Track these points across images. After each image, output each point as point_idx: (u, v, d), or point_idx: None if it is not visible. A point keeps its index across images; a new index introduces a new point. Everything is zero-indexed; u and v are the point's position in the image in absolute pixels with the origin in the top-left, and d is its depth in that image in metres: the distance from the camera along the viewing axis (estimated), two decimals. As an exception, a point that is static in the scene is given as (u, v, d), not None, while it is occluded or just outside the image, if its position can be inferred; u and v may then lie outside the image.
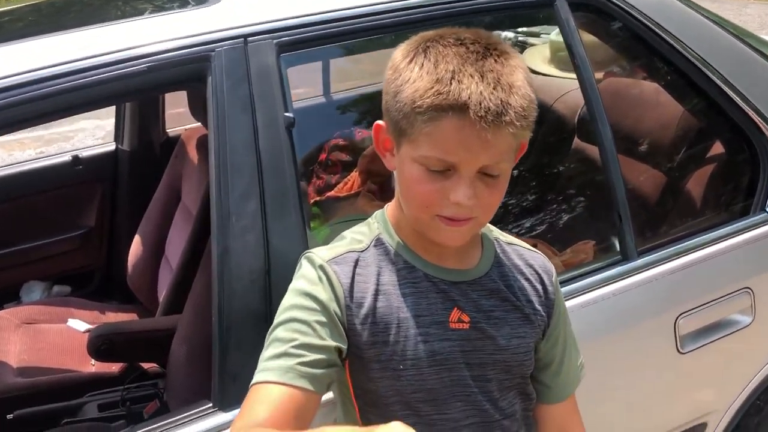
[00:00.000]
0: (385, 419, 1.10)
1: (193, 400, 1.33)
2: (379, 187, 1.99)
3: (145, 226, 2.60)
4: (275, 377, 0.98)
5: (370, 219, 1.17)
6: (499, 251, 1.17)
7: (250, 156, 1.32)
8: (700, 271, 1.62)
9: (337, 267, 1.08)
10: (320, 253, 1.10)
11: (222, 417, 1.27)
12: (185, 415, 1.28)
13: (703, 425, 1.71)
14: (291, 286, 1.08)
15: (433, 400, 1.08)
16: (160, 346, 2.07)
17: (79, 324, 2.51)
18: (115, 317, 2.52)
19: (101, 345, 2.06)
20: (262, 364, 1.02)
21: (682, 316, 1.59)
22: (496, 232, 1.21)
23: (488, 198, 1.03)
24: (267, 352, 1.02)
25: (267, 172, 1.32)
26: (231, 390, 1.28)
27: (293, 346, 1.00)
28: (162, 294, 2.43)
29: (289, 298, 1.06)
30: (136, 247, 2.61)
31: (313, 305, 1.04)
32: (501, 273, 1.15)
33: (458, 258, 1.12)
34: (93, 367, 2.35)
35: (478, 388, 1.10)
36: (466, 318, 1.09)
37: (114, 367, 2.26)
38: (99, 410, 2.02)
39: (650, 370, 1.59)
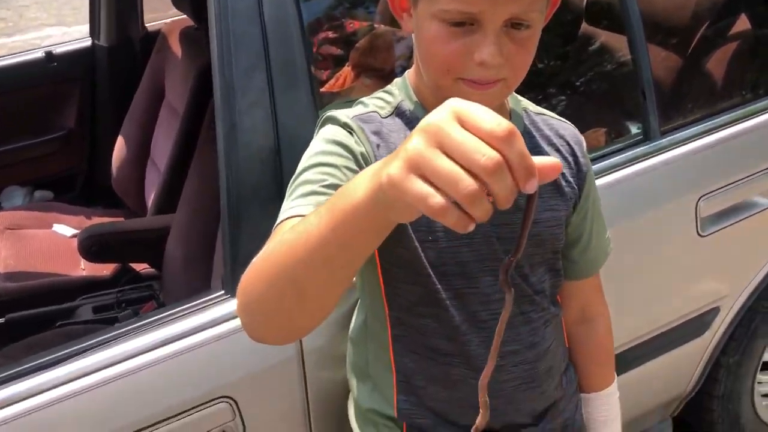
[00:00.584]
0: (411, 294, 1.07)
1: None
2: (374, 82, 1.89)
3: (128, 127, 2.49)
4: (305, 211, 0.81)
5: (389, 86, 1.07)
6: (527, 122, 1.09)
7: (255, 25, 1.20)
8: (724, 152, 1.56)
9: (364, 125, 0.98)
10: (344, 112, 1.00)
11: (234, 304, 1.20)
12: (199, 302, 1.22)
13: (716, 310, 1.70)
14: (314, 140, 0.98)
15: (462, 273, 1.02)
16: (153, 247, 2.00)
17: (65, 229, 2.42)
18: (101, 222, 2.42)
19: (92, 246, 1.99)
20: (287, 204, 0.87)
21: (703, 197, 1.54)
22: (524, 102, 1.12)
23: (517, 56, 0.91)
24: (292, 195, 0.88)
25: (273, 42, 1.21)
26: (242, 276, 1.21)
27: (323, 186, 0.87)
28: (150, 197, 2.34)
29: (315, 146, 0.96)
30: (119, 149, 2.50)
31: (343, 152, 0.93)
32: (531, 144, 1.06)
33: None
34: (83, 271, 2.27)
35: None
36: None
37: (105, 271, 2.19)
38: (94, 312, 1.95)
39: (669, 253, 1.55)
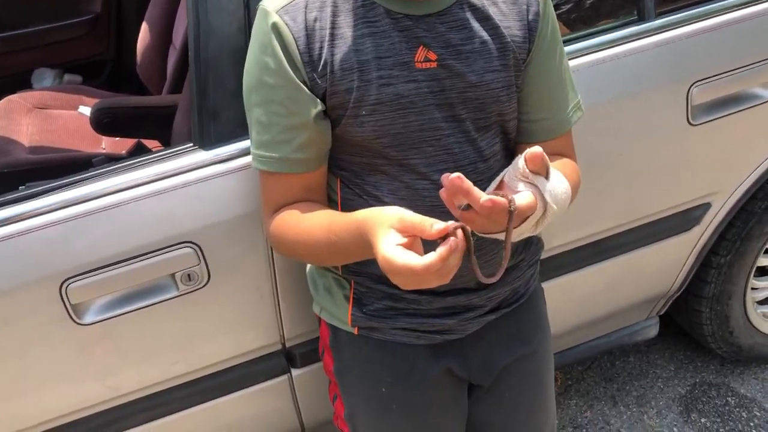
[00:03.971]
0: (355, 175, 1.09)
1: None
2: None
3: (152, 12, 2.51)
4: (275, 168, 1.05)
5: None
6: None
7: None
8: (723, 37, 1.49)
9: (289, 17, 1.01)
10: (274, 4, 1.03)
11: (202, 155, 1.25)
12: (168, 152, 1.27)
13: (707, 205, 1.66)
14: (250, 46, 1.06)
15: (399, 145, 1.04)
16: (163, 124, 2.05)
17: (90, 111, 2.51)
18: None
19: (104, 118, 2.06)
20: (254, 144, 1.07)
21: (697, 84, 1.48)
22: None
23: None
24: (253, 132, 1.06)
25: None
26: (211, 129, 1.25)
27: (278, 132, 1.03)
28: (170, 81, 2.39)
29: (252, 69, 1.05)
30: (143, 35, 2.53)
31: (276, 81, 1.02)
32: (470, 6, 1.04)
33: None
34: (104, 149, 2.37)
35: (451, 130, 1.05)
36: (433, 56, 1.02)
37: (123, 150, 2.27)
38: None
39: (656, 139, 1.51)
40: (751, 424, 1.95)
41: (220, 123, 1.25)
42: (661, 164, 1.55)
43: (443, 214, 0.90)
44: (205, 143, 1.26)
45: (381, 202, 1.06)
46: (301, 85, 1.01)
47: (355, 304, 1.16)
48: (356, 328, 1.17)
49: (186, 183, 1.24)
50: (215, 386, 1.41)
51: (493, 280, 0.90)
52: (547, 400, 1.30)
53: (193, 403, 1.41)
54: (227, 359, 1.38)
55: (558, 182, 0.96)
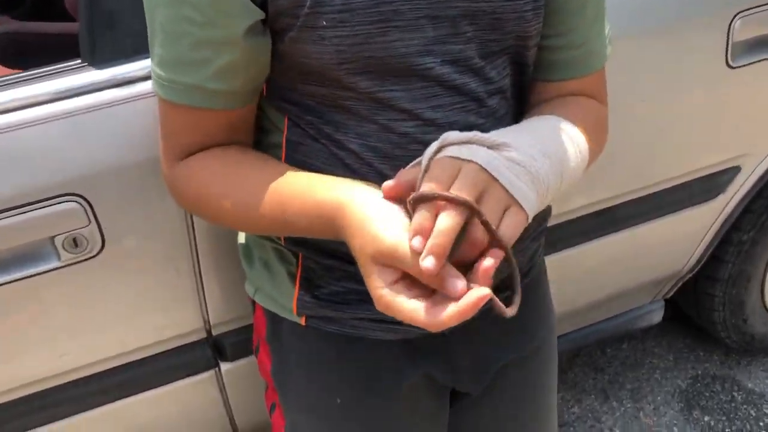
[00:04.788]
0: (308, 111, 0.75)
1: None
2: None
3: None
4: (183, 100, 0.73)
5: None
6: None
7: None
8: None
9: None
10: None
11: (93, 75, 0.92)
12: (47, 69, 0.93)
13: (735, 170, 1.38)
14: None
15: (372, 74, 0.72)
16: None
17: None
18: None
19: (8, 47, 1.71)
20: (156, 60, 0.74)
21: (742, 14, 1.19)
22: None
23: None
24: (155, 43, 0.73)
25: None
26: (106, 40, 0.91)
27: (190, 47, 0.71)
28: None
29: None
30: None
31: None
32: None
33: None
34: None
35: (449, 55, 0.73)
36: None
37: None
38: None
39: (686, 84, 1.22)
40: (761, 423, 1.70)
41: (119, 33, 0.91)
42: (689, 116, 1.26)
43: None
44: (98, 59, 0.92)
45: (345, 151, 0.75)
46: None
47: (303, 285, 0.84)
48: (303, 318, 0.86)
49: (70, 112, 0.89)
50: (122, 383, 1.09)
51: (513, 311, 0.63)
52: (550, 411, 1.01)
53: (91, 405, 1.09)
54: (133, 351, 1.06)
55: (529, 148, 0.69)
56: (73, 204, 0.90)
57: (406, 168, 0.67)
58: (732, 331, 1.70)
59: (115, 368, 1.07)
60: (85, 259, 0.94)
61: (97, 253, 0.94)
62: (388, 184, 0.65)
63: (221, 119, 0.75)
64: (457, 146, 0.65)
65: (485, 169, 0.63)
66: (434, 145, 0.66)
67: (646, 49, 1.16)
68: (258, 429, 1.25)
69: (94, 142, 0.90)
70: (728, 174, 1.38)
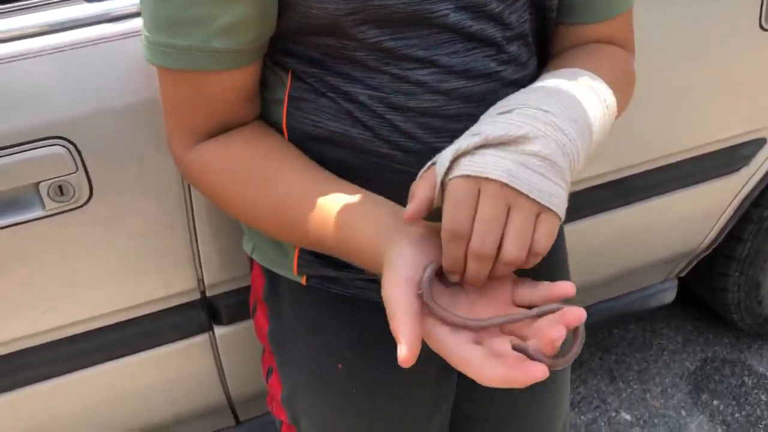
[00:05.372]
0: (313, 63, 0.69)
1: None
2: None
3: None
4: (187, 65, 0.65)
5: None
6: None
7: None
8: None
9: None
10: None
11: (86, 7, 0.85)
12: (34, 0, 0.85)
13: (761, 141, 1.32)
14: None
15: (381, 22, 0.65)
16: None
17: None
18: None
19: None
20: (148, 24, 0.66)
21: (776, -28, 1.12)
22: None
23: None
24: (145, 1, 0.65)
25: None
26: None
27: (188, 1, 0.62)
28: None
29: None
30: None
31: None
32: None
33: None
34: None
35: (463, 0, 0.66)
36: None
37: None
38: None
39: (715, 46, 1.15)
40: (771, 409, 1.65)
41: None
42: (714, 81, 1.19)
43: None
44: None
45: (354, 103, 0.69)
46: None
47: (305, 242, 0.78)
48: (304, 277, 0.80)
49: (58, 47, 0.82)
50: (107, 345, 1.03)
51: (565, 362, 0.58)
52: (561, 389, 0.96)
53: (73, 367, 1.03)
54: (120, 310, 0.99)
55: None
56: (59, 148, 0.83)
57: (418, 179, 0.60)
58: (745, 313, 1.65)
59: (100, 329, 1.01)
60: (72, 209, 0.87)
61: (84, 203, 0.87)
62: (407, 212, 0.59)
63: (226, 83, 0.68)
64: (470, 156, 0.58)
65: (507, 185, 0.56)
66: (446, 157, 0.58)
67: (671, 4, 1.09)
68: (252, 398, 1.19)
69: (85, 81, 0.83)
70: (753, 146, 1.31)
